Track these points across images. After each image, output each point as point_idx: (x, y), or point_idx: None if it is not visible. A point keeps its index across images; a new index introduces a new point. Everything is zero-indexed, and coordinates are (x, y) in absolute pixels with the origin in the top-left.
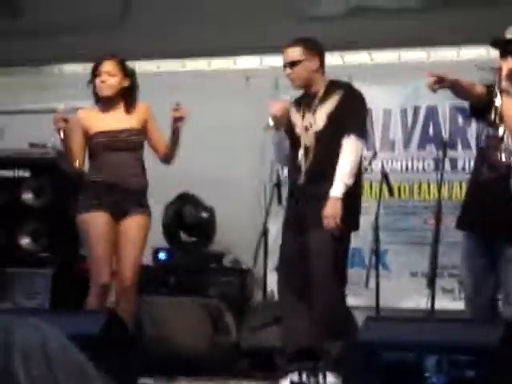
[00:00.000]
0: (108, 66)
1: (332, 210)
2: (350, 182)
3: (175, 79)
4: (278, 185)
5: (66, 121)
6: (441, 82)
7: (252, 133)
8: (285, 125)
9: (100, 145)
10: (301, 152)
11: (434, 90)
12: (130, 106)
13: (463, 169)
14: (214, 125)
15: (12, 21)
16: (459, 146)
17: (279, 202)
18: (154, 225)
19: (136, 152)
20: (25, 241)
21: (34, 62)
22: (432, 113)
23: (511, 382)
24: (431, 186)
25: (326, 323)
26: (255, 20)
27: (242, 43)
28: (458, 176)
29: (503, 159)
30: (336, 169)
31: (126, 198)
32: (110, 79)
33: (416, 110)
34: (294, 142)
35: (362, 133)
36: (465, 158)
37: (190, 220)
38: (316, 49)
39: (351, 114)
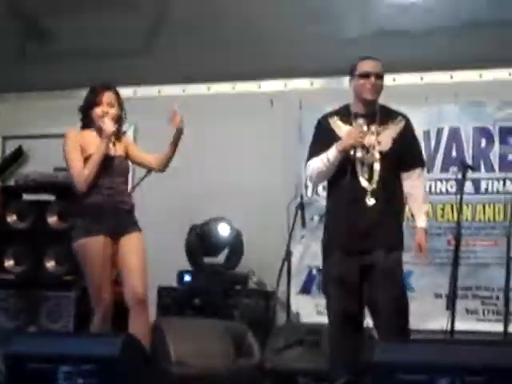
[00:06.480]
0: (109, 97)
1: (425, 241)
2: None
3: (200, 102)
4: (302, 207)
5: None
6: None
7: (276, 155)
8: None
9: (104, 166)
10: (361, 169)
11: None
12: (119, 135)
13: (486, 190)
14: (240, 147)
15: (39, 46)
16: (482, 168)
17: (303, 224)
18: (178, 247)
19: (126, 176)
20: (50, 264)
21: (58, 87)
22: (455, 135)
23: None
24: (454, 208)
25: None
26: (279, 44)
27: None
28: (481, 198)
29: None
30: (414, 199)
31: (123, 218)
32: (111, 110)
33: (439, 132)
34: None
35: None
36: (488, 179)
37: (215, 243)
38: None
39: (417, 146)
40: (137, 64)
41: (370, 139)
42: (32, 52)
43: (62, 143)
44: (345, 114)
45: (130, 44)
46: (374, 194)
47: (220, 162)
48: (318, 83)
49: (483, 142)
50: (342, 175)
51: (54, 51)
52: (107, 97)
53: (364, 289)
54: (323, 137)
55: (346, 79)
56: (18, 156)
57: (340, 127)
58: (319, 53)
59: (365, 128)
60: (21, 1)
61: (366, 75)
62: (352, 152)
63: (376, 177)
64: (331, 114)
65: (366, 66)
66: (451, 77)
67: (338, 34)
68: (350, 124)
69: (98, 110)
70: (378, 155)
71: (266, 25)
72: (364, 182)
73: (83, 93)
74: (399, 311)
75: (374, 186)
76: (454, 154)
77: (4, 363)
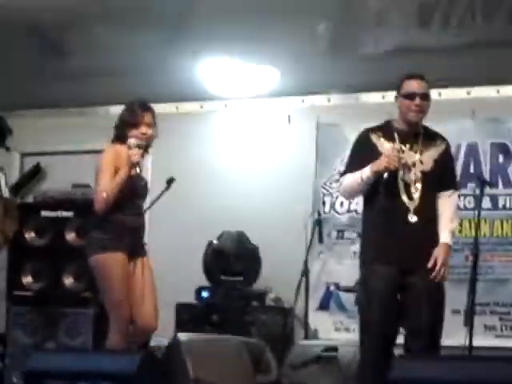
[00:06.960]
0: (149, 118)
1: (448, 257)
2: None
3: (218, 118)
4: (319, 223)
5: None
6: None
7: (293, 171)
8: None
9: (128, 187)
10: (404, 186)
11: None
12: (147, 151)
13: (504, 206)
14: (257, 162)
15: (59, 63)
16: (500, 184)
17: (320, 240)
18: (195, 264)
19: (145, 197)
20: (68, 280)
21: (76, 104)
22: (472, 150)
23: None
24: (472, 223)
25: None
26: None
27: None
28: (499, 213)
29: None
30: (442, 216)
31: (138, 239)
32: (149, 131)
33: (457, 148)
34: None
35: None
36: (505, 195)
37: (232, 259)
38: None
39: (454, 170)
40: (154, 81)
41: (413, 157)
42: (50, 69)
43: (97, 160)
44: (387, 131)
45: (147, 61)
46: (416, 211)
47: (237, 177)
48: (335, 99)
49: (501, 158)
50: (379, 191)
51: (72, 68)
52: (147, 118)
53: (401, 306)
54: (363, 151)
55: (363, 95)
56: (36, 173)
57: (383, 143)
58: (335, 69)
59: (402, 151)
60: (39, 18)
61: (410, 96)
62: (386, 174)
63: (418, 195)
64: (373, 130)
65: (412, 86)
66: (468, 93)
67: (353, 52)
68: (393, 141)
69: (135, 132)
70: (419, 174)
71: None
72: (406, 199)
73: (100, 110)
74: (436, 334)
75: (416, 203)
76: (471, 169)
77: (22, 379)
